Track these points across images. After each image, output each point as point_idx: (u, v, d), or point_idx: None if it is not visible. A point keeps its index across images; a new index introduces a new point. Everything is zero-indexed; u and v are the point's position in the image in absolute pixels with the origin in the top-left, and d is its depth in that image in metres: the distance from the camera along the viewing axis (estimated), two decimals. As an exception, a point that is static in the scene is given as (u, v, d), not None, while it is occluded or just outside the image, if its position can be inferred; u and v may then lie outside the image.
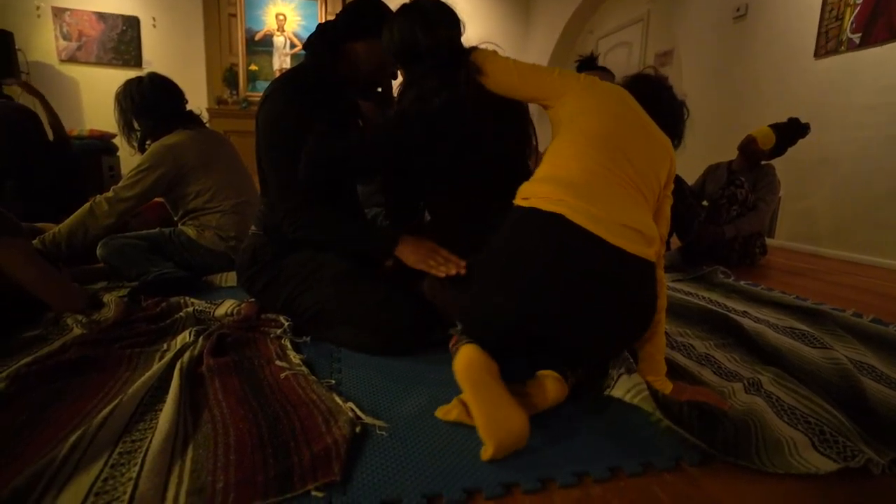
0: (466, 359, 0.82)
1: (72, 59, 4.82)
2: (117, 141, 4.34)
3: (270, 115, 1.18)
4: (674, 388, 0.95)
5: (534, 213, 0.84)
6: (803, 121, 2.80)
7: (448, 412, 0.87)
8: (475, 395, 0.78)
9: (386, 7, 1.24)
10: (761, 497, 0.71)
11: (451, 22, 1.14)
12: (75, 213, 1.60)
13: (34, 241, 1.56)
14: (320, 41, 1.25)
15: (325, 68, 1.24)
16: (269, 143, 1.18)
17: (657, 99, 1.06)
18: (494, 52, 1.10)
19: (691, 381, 1.06)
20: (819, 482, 0.73)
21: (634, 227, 0.84)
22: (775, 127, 2.43)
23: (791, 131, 2.41)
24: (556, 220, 0.81)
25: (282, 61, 5.31)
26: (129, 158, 2.31)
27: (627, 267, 0.83)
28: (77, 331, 1.20)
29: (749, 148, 2.46)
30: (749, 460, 0.76)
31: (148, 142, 1.79)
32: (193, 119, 1.87)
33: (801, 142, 2.95)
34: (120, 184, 1.66)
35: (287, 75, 1.26)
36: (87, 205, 1.62)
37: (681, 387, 0.96)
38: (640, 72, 1.16)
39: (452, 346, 0.95)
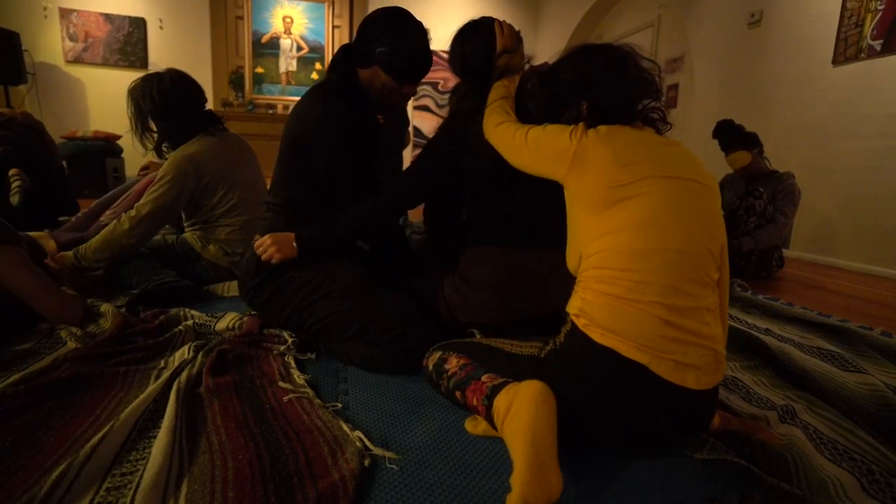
0: (540, 395, 0.70)
1: (78, 60, 4.81)
2: (122, 142, 4.32)
3: (314, 121, 1.19)
4: (721, 418, 0.88)
5: (612, 355, 0.74)
6: (822, 130, 2.75)
7: (476, 425, 0.88)
8: (533, 438, 0.66)
9: (387, 33, 1.19)
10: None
11: (477, 41, 1.18)
12: (102, 232, 1.56)
13: (68, 254, 1.54)
14: (342, 63, 1.25)
15: (349, 87, 1.26)
16: (327, 150, 1.19)
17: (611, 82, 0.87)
18: (493, 106, 1.05)
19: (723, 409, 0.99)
20: (874, 532, 0.67)
21: (711, 354, 0.76)
22: (729, 142, 2.42)
23: (731, 132, 2.42)
24: (639, 371, 0.73)
25: (288, 64, 5.29)
26: (134, 160, 2.28)
27: (705, 400, 0.78)
28: (71, 344, 1.14)
29: (743, 174, 2.47)
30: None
31: (165, 146, 1.71)
32: (214, 121, 1.77)
33: (819, 151, 2.90)
34: (142, 200, 1.60)
35: (321, 89, 1.26)
36: (111, 224, 1.57)
37: (727, 417, 0.89)
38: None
39: (467, 373, 0.88)
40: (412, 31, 1.20)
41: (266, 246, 1.16)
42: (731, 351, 1.35)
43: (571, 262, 0.89)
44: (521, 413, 0.69)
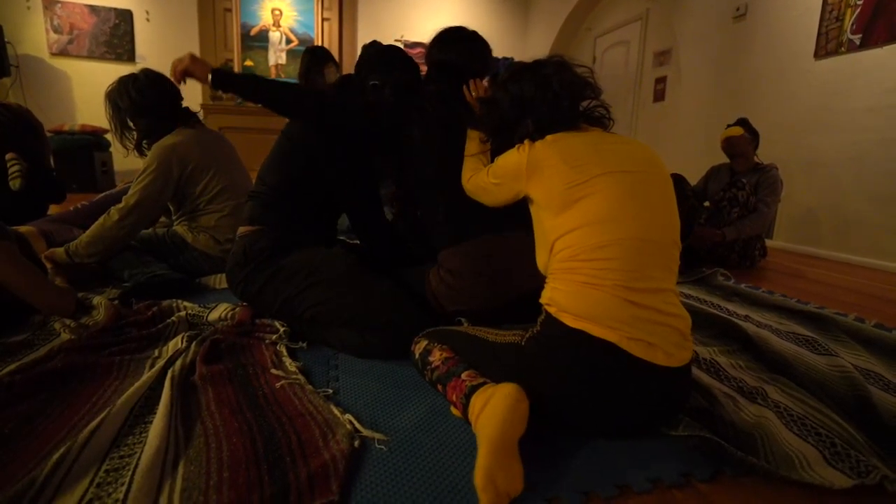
0: (516, 394, 0.74)
1: (63, 53, 4.73)
2: (110, 136, 4.27)
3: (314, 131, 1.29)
4: None
5: (585, 337, 0.78)
6: (804, 123, 2.80)
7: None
8: (502, 426, 0.70)
9: (377, 70, 1.31)
10: (774, 516, 0.69)
11: (454, 50, 1.32)
12: (93, 227, 1.57)
13: (59, 250, 1.55)
14: (342, 91, 1.37)
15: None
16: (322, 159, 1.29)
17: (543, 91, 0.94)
18: (466, 161, 1.13)
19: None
20: (832, 498, 0.71)
21: (677, 332, 0.80)
22: (735, 124, 2.52)
23: (743, 120, 2.54)
24: (609, 349, 0.77)
25: (277, 57, 5.25)
26: (122, 156, 2.27)
27: (678, 379, 0.82)
28: (65, 336, 1.16)
29: (729, 151, 2.51)
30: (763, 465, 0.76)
31: (145, 142, 1.72)
32: (191, 117, 1.81)
33: (801, 143, 2.96)
34: (129, 192, 1.61)
35: None
36: (101, 218, 1.58)
37: None
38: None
39: (448, 369, 0.92)
40: (401, 70, 1.32)
41: (183, 57, 1.22)
42: (710, 336, 1.40)
43: (541, 263, 0.95)
44: (497, 407, 0.73)
